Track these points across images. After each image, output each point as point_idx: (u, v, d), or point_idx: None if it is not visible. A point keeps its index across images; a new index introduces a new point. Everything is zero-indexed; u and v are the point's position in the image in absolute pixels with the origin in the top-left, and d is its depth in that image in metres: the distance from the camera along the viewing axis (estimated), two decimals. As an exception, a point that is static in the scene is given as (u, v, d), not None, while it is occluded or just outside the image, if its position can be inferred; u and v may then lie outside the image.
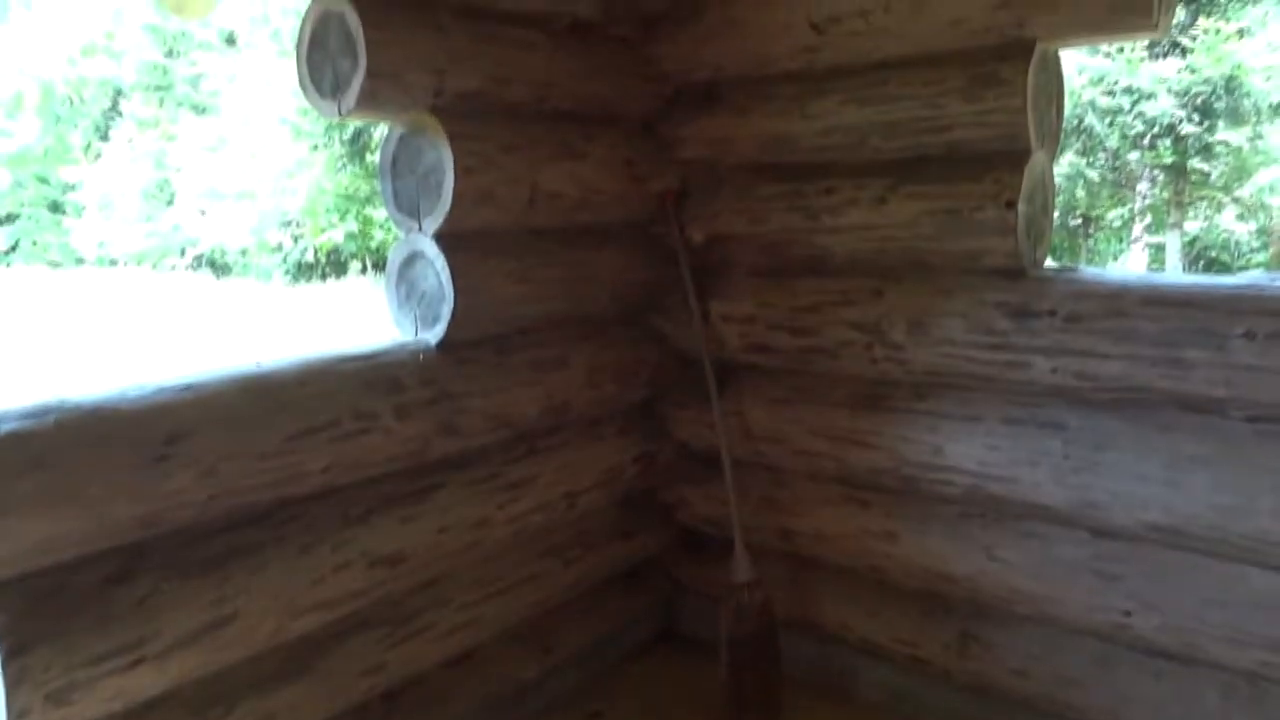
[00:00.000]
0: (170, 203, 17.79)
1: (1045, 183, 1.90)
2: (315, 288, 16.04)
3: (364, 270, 16.56)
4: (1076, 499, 1.78)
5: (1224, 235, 13.99)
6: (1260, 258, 20.40)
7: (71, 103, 19.36)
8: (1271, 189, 10.36)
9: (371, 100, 1.64)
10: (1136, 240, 12.41)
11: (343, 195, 15.83)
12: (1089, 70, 8.51)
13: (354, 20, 1.60)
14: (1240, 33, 8.16)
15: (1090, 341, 1.74)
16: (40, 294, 15.07)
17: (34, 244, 19.32)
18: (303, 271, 16.43)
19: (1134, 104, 8.44)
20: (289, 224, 16.16)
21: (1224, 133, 8.48)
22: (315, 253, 16.10)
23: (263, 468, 1.47)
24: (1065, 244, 19.49)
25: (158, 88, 19.27)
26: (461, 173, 1.75)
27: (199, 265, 17.56)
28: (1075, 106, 8.70)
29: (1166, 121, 8.42)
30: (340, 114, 1.67)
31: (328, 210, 15.85)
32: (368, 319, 11.08)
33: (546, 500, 2.03)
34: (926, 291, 1.93)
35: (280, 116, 15.63)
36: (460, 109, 1.78)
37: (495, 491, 1.90)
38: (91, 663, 1.29)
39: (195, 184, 16.80)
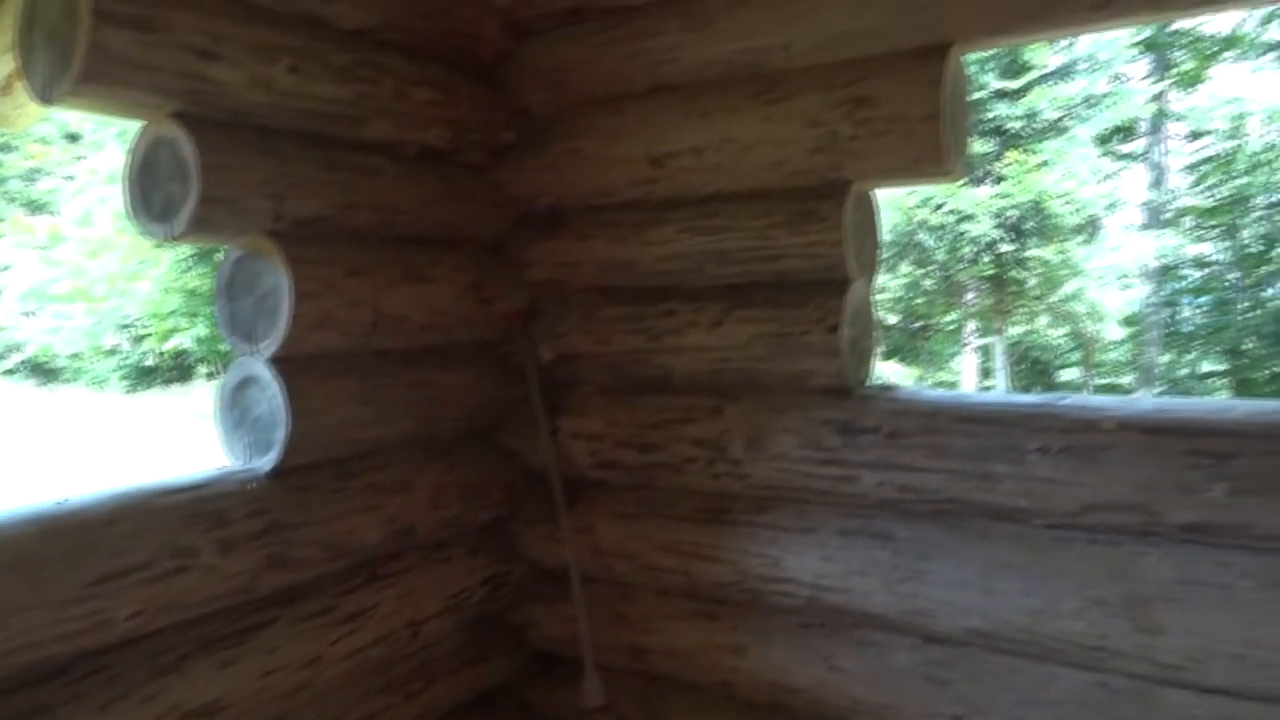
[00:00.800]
0: (-9, 303, 16.49)
1: (866, 308, 2.06)
2: (156, 396, 15.06)
3: (211, 376, 15.72)
4: (906, 607, 1.87)
5: (1042, 338, 15.40)
6: (1074, 357, 22.45)
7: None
8: (1077, 297, 11.55)
9: (203, 225, 1.61)
10: (968, 343, 13.45)
11: (190, 295, 15.13)
12: (919, 192, 9.35)
13: (188, 147, 1.58)
14: (1043, 164, 9.21)
15: (911, 456, 1.86)
16: None
17: None
18: (143, 377, 15.44)
19: (958, 223, 9.31)
20: (128, 326, 15.25)
21: (1035, 250, 9.43)
22: (158, 357, 15.20)
23: (61, 618, 1.35)
24: (908, 346, 20.92)
25: (-13, 183, 18.11)
26: (300, 296, 1.73)
27: (22, 371, 16.21)
28: (909, 224, 9.52)
29: (986, 240, 9.31)
30: (169, 238, 1.63)
31: (174, 312, 15.09)
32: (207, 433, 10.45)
33: (387, 631, 1.94)
34: (762, 409, 2.03)
35: (122, 214, 14.93)
36: (301, 234, 1.77)
37: (330, 626, 1.80)
38: None
39: (22, 283, 15.68)
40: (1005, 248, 9.43)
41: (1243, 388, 24.88)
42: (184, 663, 1.53)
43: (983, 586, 1.79)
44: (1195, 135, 23.87)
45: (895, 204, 9.61)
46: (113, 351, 15.36)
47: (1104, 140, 11.82)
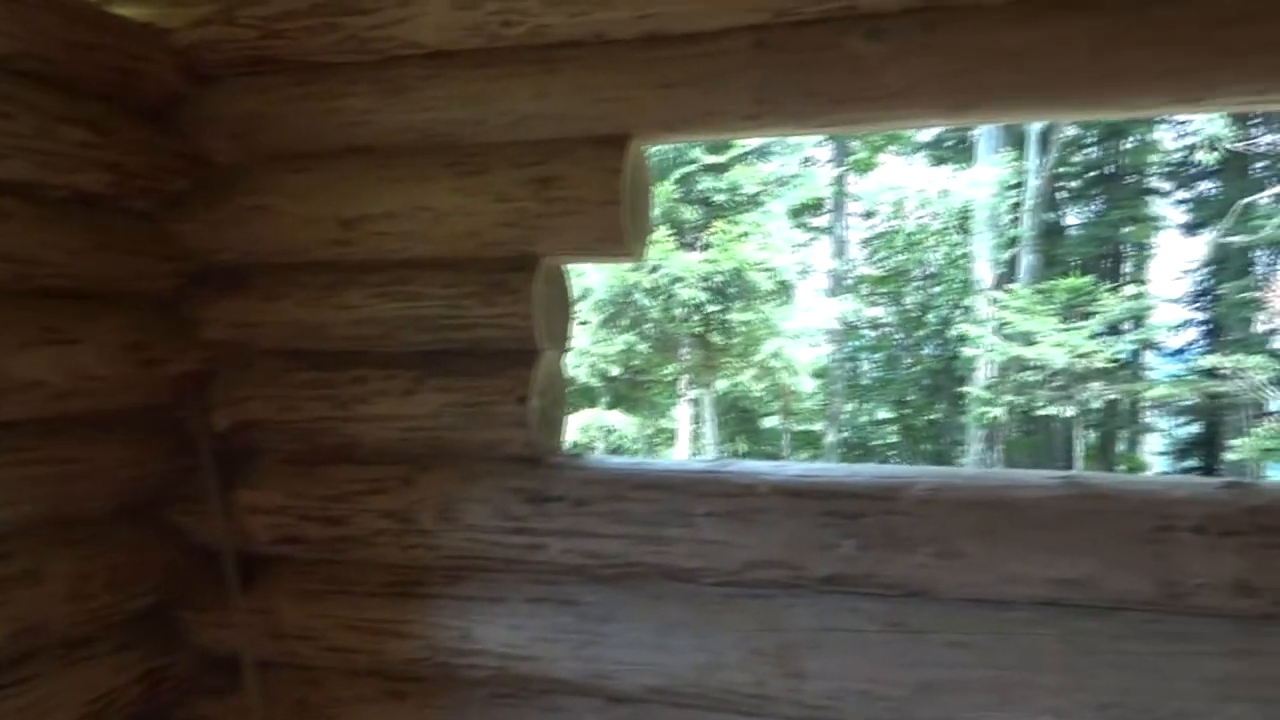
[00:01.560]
0: None
1: (557, 378, 2.13)
2: None
3: None
4: (590, 670, 1.92)
5: (747, 390, 16.77)
6: (775, 406, 24.58)
7: None
8: (776, 356, 12.77)
9: None
10: (684, 394, 14.32)
11: None
12: (633, 254, 9.92)
13: None
14: (744, 234, 10.15)
15: (595, 523, 1.94)
16: None
17: None
18: None
19: (670, 285, 9.98)
20: None
21: (737, 311, 10.32)
22: None
23: None
24: (631, 396, 21.89)
25: None
26: (-109, 361, 1.46)
27: None
28: (625, 286, 10.07)
29: (695, 302, 10.05)
30: None
31: None
32: None
33: (2, 752, 1.66)
34: (454, 479, 2.01)
35: None
36: (-104, 286, 1.51)
37: (-81, 754, 1.51)
38: None
39: None
40: (712, 309, 10.22)
41: (907, 432, 28.74)
42: None
43: (657, 645, 1.89)
44: (868, 214, 27.57)
45: (612, 266, 10.11)
46: None
47: (796, 214, 13.27)
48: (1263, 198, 14.71)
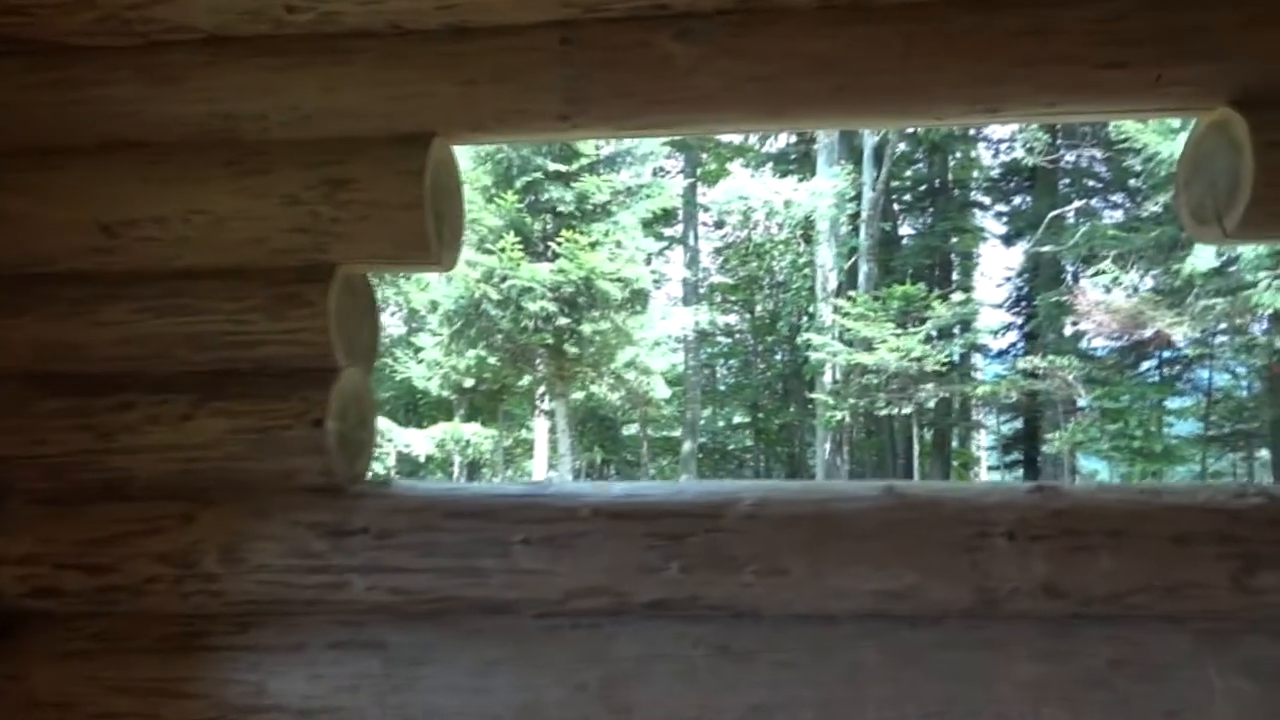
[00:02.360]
0: None
1: (360, 398, 1.94)
2: None
3: None
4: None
5: (604, 400, 16.77)
6: (634, 414, 24.72)
7: None
8: (631, 365, 12.79)
9: None
10: (540, 405, 14.12)
11: None
12: (480, 265, 9.68)
13: None
14: (593, 244, 10.10)
15: (402, 557, 1.77)
16: None
17: None
18: None
19: (519, 295, 9.79)
20: None
21: (590, 322, 10.25)
22: None
23: None
24: (488, 407, 21.45)
25: None
26: None
27: None
28: (473, 297, 9.80)
29: (544, 313, 9.91)
30: None
31: None
32: None
33: None
34: (241, 515, 1.80)
35: None
36: None
37: None
38: None
39: None
40: (563, 320, 10.10)
41: (761, 435, 29.66)
42: None
43: (473, 687, 1.75)
44: (718, 224, 28.31)
45: (459, 277, 9.83)
46: None
47: (647, 224, 13.35)
48: (1068, 211, 16.08)
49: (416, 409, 26.23)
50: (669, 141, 20.05)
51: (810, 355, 16.99)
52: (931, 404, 15.01)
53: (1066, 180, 19.77)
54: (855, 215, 18.14)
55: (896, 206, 22.40)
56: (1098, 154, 16.79)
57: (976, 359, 20.93)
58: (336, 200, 1.77)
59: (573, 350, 10.45)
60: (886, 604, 1.72)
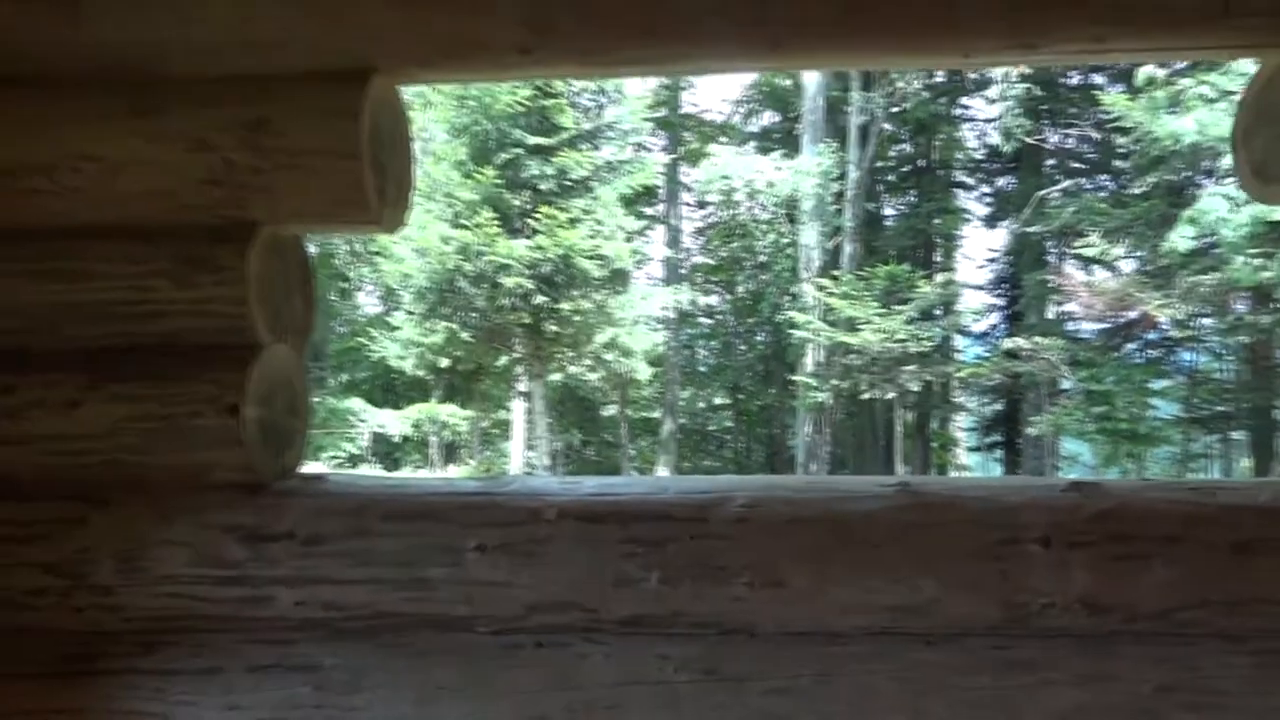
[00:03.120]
0: None
1: (290, 381, 1.67)
2: None
3: None
4: (332, 757, 1.50)
5: (584, 380, 16.52)
6: (613, 395, 24.53)
7: None
8: (611, 345, 12.52)
9: None
10: (518, 386, 13.84)
11: None
12: (455, 240, 9.36)
13: None
14: (572, 220, 9.79)
15: (335, 566, 1.51)
16: None
17: None
18: None
19: (495, 273, 9.47)
20: None
21: (568, 300, 9.96)
22: None
23: None
24: (465, 388, 21.14)
25: None
26: None
27: None
28: (447, 271, 9.46)
29: (522, 290, 9.60)
30: None
31: None
32: None
33: None
34: (142, 517, 1.53)
35: None
36: None
37: None
38: None
39: None
40: (541, 298, 9.81)
41: (741, 417, 29.55)
42: None
43: (420, 716, 1.50)
44: (701, 204, 28.04)
45: (434, 251, 9.49)
46: None
47: (629, 202, 13.05)
48: (1053, 192, 15.94)
49: (393, 389, 25.88)
50: (650, 118, 19.69)
51: (793, 336, 16.80)
52: (915, 386, 14.86)
53: (1051, 161, 19.65)
54: (839, 195, 17.90)
55: (880, 187, 22.19)
56: (1084, 134, 16.65)
57: (957, 341, 20.85)
58: (257, 147, 1.49)
59: (551, 330, 10.16)
60: (901, 620, 1.48)
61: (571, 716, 1.47)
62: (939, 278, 16.45)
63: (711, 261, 28.47)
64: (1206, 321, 11.46)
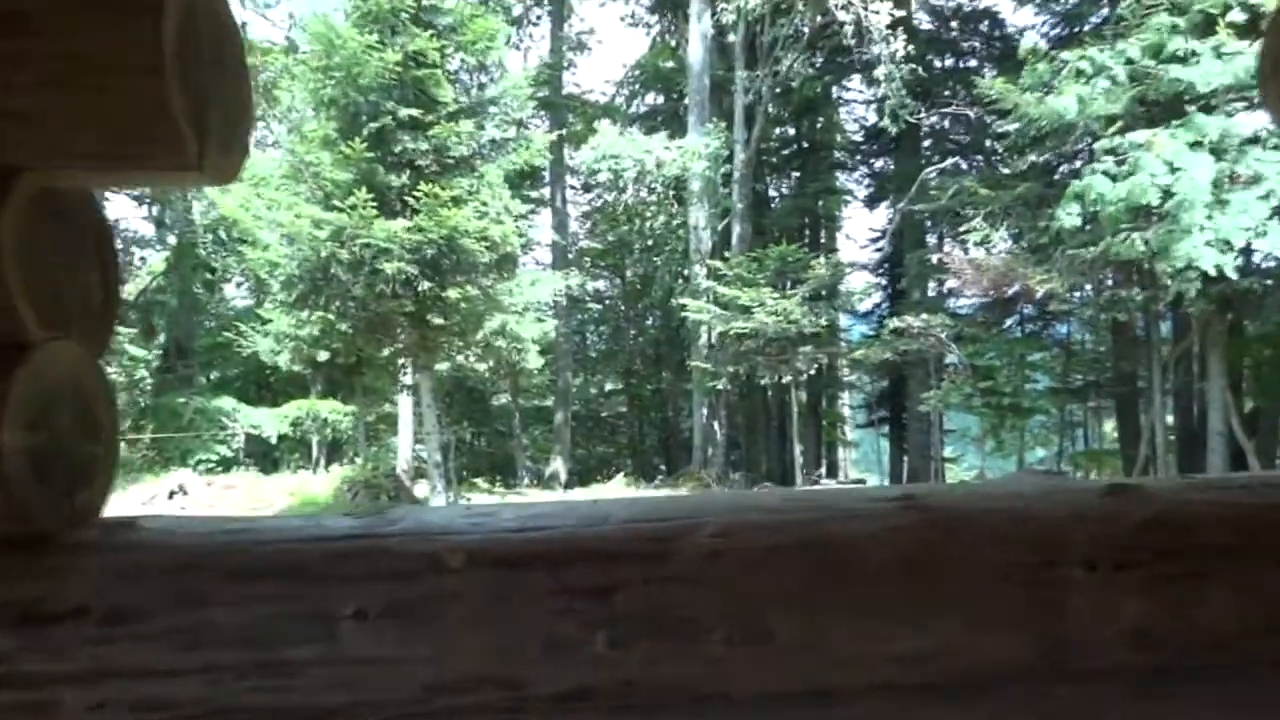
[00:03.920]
0: None
1: (81, 390, 1.21)
2: None
3: None
4: None
5: (473, 370, 15.90)
6: (504, 384, 23.91)
7: None
8: (500, 333, 12.00)
9: None
10: (403, 378, 13.12)
11: None
12: (327, 224, 8.64)
13: None
14: (455, 200, 9.21)
15: (151, 651, 1.07)
16: None
17: None
18: None
19: (374, 258, 8.80)
20: None
21: (454, 287, 9.38)
22: None
23: None
24: (347, 382, 20.06)
25: None
26: None
27: None
28: (320, 259, 8.73)
29: (403, 277, 8.96)
30: None
31: None
32: None
33: None
34: None
35: None
36: None
37: None
38: None
39: None
40: (424, 284, 9.20)
41: (634, 402, 29.44)
42: None
43: None
44: (587, 187, 27.63)
45: (305, 237, 8.72)
46: None
47: (514, 184, 12.51)
48: (931, 172, 16.31)
49: (268, 386, 24.39)
50: (534, 98, 19.08)
51: (686, 319, 16.64)
52: (809, 368, 14.96)
53: (929, 142, 20.18)
54: (728, 175, 17.82)
55: (767, 167, 22.32)
56: (962, 115, 17.12)
57: (843, 320, 21.24)
58: (6, 56, 1.03)
59: (436, 320, 9.56)
60: (912, 671, 1.17)
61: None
62: (827, 258, 16.60)
63: (599, 245, 28.12)
64: (1078, 296, 11.90)
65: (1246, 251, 8.87)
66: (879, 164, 23.85)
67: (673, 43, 22.74)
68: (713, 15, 17.55)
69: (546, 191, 25.20)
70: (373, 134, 9.15)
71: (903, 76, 14.35)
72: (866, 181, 24.59)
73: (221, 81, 1.18)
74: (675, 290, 19.86)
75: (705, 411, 17.77)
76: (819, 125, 22.15)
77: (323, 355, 11.53)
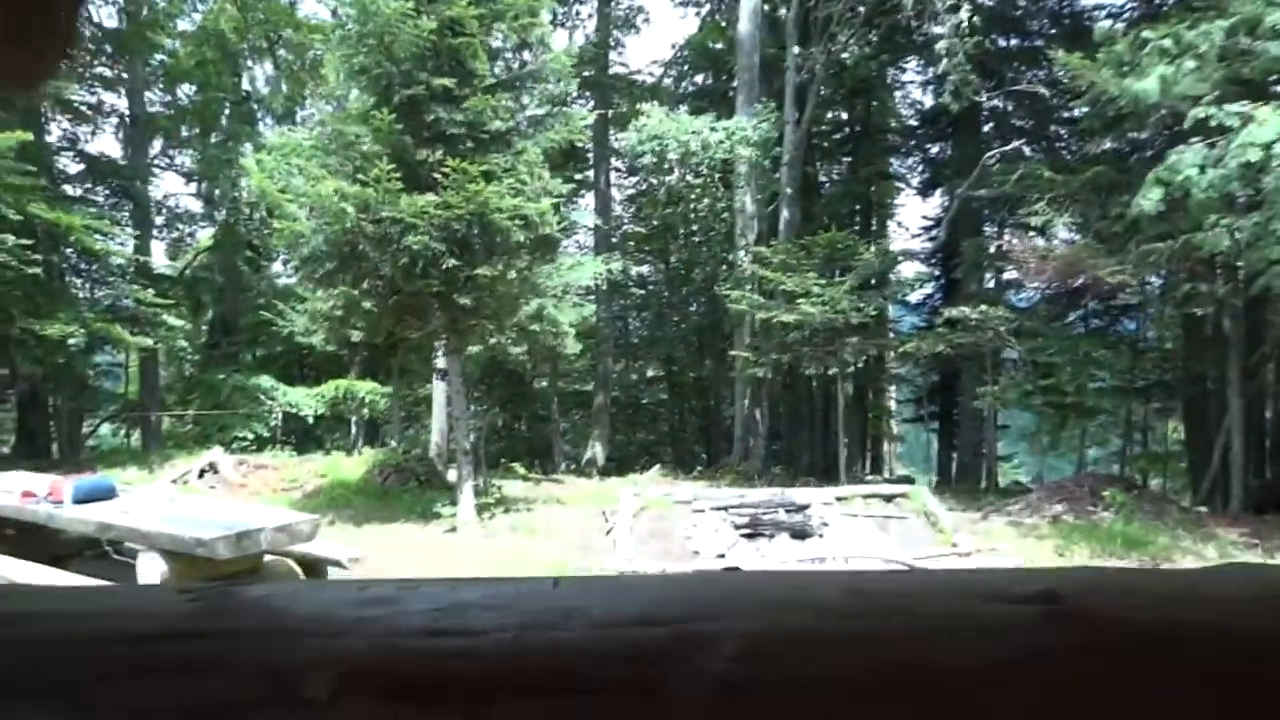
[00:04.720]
0: None
1: None
2: None
3: None
4: None
5: (511, 353, 15.58)
6: (544, 369, 23.59)
7: None
8: (538, 316, 11.62)
9: None
10: (439, 360, 12.82)
11: None
12: (353, 198, 8.29)
13: None
14: (486, 175, 8.80)
15: None
16: None
17: None
18: None
19: (400, 235, 8.44)
20: None
21: (487, 268, 8.99)
22: None
23: None
24: (384, 362, 19.92)
25: None
26: None
27: None
28: (347, 231, 8.39)
29: (429, 254, 8.59)
30: None
31: None
32: None
33: None
34: None
35: None
36: None
37: None
38: None
39: None
40: (450, 262, 8.81)
41: (675, 390, 28.97)
42: None
43: None
44: (632, 170, 27.12)
45: (331, 208, 8.37)
46: None
47: (556, 166, 12.09)
48: (992, 156, 15.52)
49: (311, 366, 24.40)
50: (580, 79, 18.64)
51: (729, 307, 16.12)
52: (854, 358, 14.34)
53: (989, 126, 19.30)
54: (776, 159, 17.20)
55: (817, 151, 21.59)
56: (1026, 96, 16.26)
57: (895, 311, 20.51)
58: None
59: (465, 300, 9.18)
60: None
61: None
62: (877, 246, 15.94)
63: (643, 230, 27.63)
64: (1148, 289, 11.13)
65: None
66: (934, 150, 22.94)
67: (723, 22, 22.09)
68: (765, -10, 16.96)
69: (590, 174, 24.78)
70: (404, 104, 8.77)
71: (966, 51, 13.58)
72: (920, 168, 23.71)
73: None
74: (720, 276, 19.30)
75: (747, 401, 17.23)
76: (873, 107, 21.34)
77: (355, 335, 11.26)
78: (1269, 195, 7.32)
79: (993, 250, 16.00)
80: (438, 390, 15.45)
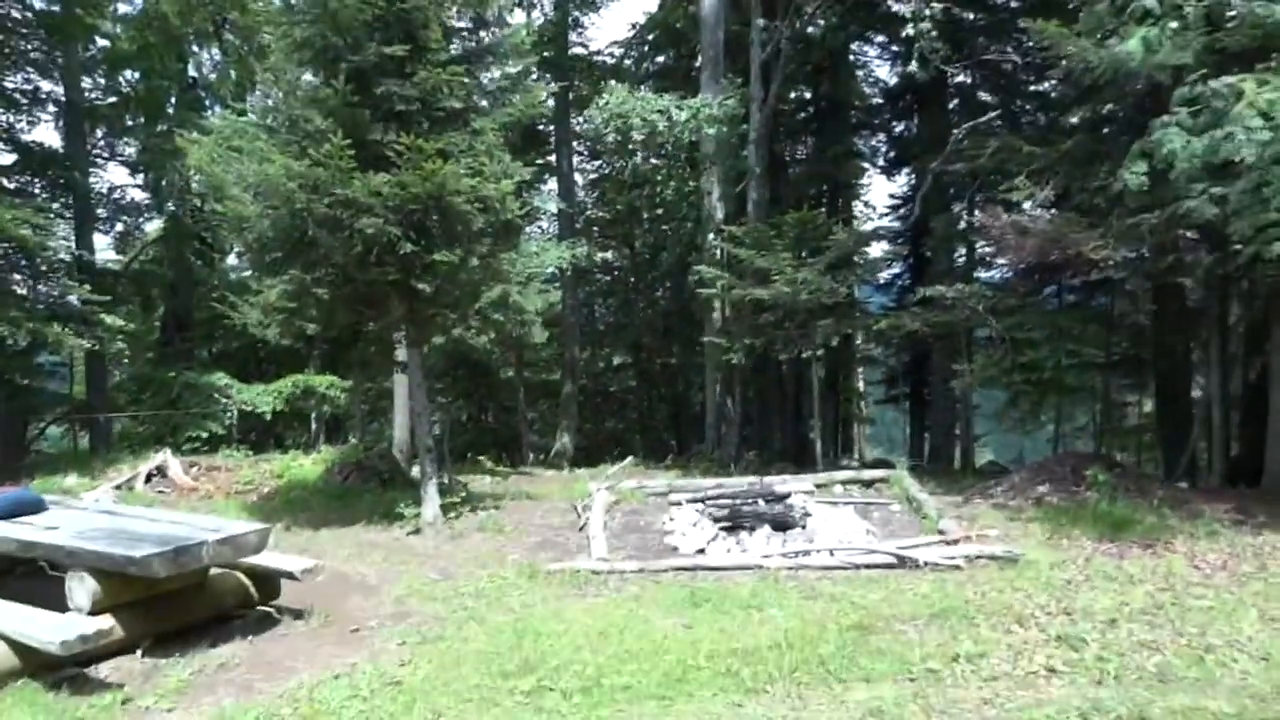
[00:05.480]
0: None
1: None
2: None
3: None
4: None
5: (474, 343, 15.08)
6: (510, 359, 23.10)
7: None
8: (501, 304, 11.13)
9: None
10: (398, 352, 12.28)
11: None
12: (299, 176, 7.73)
13: None
14: (442, 153, 8.28)
15: None
16: None
17: None
18: None
19: (353, 219, 7.91)
20: None
21: (445, 254, 8.48)
22: None
23: None
24: (343, 356, 19.26)
25: None
26: None
27: None
28: (294, 216, 7.84)
29: (385, 240, 8.07)
30: None
31: None
32: None
33: None
34: None
35: None
36: None
37: None
38: None
39: None
40: (410, 248, 8.30)
41: (643, 376, 28.58)
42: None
43: None
44: (595, 154, 26.57)
45: (277, 188, 7.79)
46: None
47: (517, 150, 11.56)
48: (963, 131, 15.27)
49: (268, 361, 23.61)
50: (540, 60, 18.08)
51: (700, 291, 15.74)
52: (828, 340, 14.03)
53: (955, 102, 19.08)
54: (743, 138, 16.79)
55: (783, 130, 21.23)
56: (992, 73, 16.01)
57: (864, 290, 20.27)
58: None
59: (423, 287, 8.67)
60: None
61: None
62: (846, 224, 15.65)
63: (607, 215, 27.13)
64: (1126, 261, 10.92)
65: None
66: (899, 128, 22.72)
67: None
68: (728, -38, 16.51)
69: (552, 159, 24.21)
70: (353, 75, 8.20)
71: (934, 17, 13.27)
72: (885, 148, 23.48)
73: None
74: (688, 260, 18.88)
75: (719, 388, 16.88)
76: (838, 84, 21.01)
77: (310, 328, 10.68)
78: (1256, 162, 7.08)
79: (964, 226, 15.80)
80: (400, 384, 14.89)
